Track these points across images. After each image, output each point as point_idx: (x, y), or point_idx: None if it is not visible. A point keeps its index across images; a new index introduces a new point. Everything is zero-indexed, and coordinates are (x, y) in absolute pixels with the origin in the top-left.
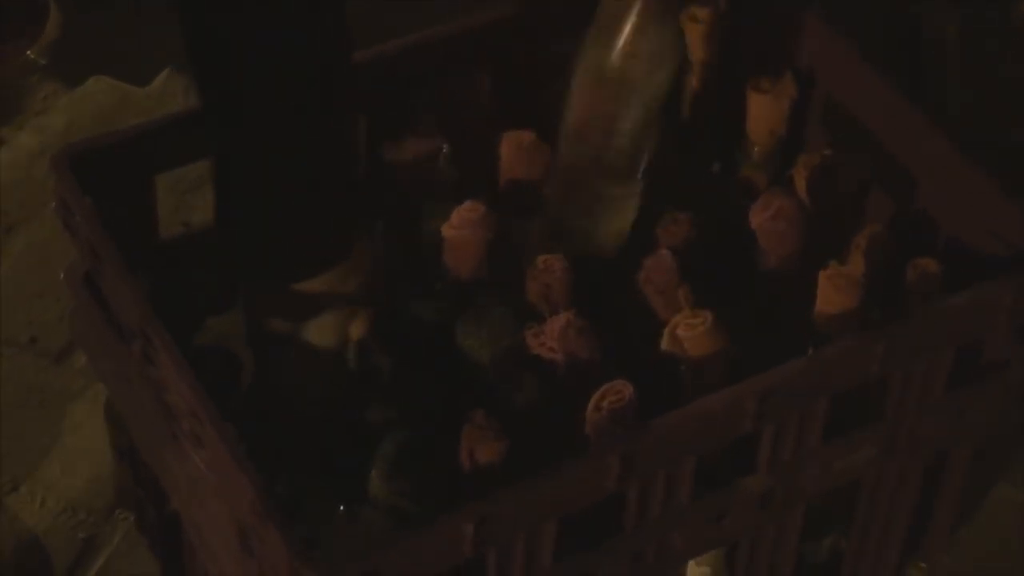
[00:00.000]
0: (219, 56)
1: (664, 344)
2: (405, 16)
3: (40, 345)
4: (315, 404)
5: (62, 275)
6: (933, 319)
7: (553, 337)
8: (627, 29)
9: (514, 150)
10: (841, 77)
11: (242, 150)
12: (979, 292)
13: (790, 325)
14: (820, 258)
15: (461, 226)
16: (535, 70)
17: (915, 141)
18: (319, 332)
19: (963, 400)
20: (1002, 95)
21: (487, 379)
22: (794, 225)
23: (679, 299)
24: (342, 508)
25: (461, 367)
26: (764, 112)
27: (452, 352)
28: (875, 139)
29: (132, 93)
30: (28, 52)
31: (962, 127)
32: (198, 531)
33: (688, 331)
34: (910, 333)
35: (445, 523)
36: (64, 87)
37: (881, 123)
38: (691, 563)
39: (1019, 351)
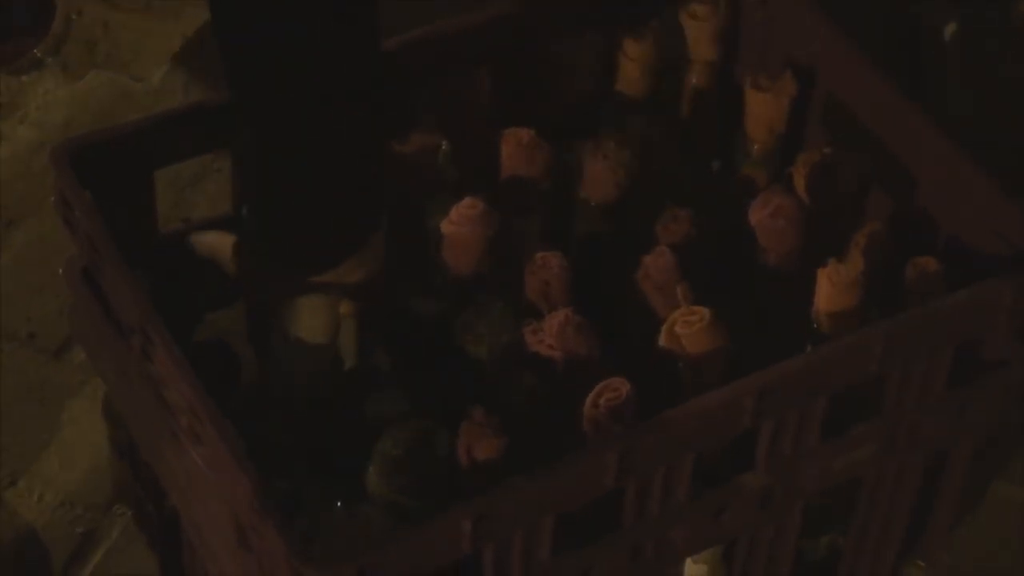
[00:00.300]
0: (251, 52)
1: (662, 341)
2: (405, 13)
3: (39, 340)
4: (310, 393)
5: (61, 270)
6: (932, 318)
7: (551, 334)
8: None
9: (514, 148)
10: (841, 75)
11: (271, 142)
12: (978, 291)
13: (789, 323)
14: (819, 256)
15: (460, 223)
16: (535, 68)
17: (915, 139)
18: (310, 313)
19: (963, 399)
20: (1002, 95)
21: (486, 376)
22: (793, 223)
23: (678, 296)
24: (340, 505)
25: (460, 364)
26: (764, 110)
27: (451, 349)
28: (875, 137)
29: (132, 88)
30: (35, 51)
31: (962, 127)
32: (196, 528)
33: (686, 328)
34: (909, 332)
35: (443, 520)
36: (64, 82)
37: (881, 121)
38: (689, 560)
39: (1019, 350)
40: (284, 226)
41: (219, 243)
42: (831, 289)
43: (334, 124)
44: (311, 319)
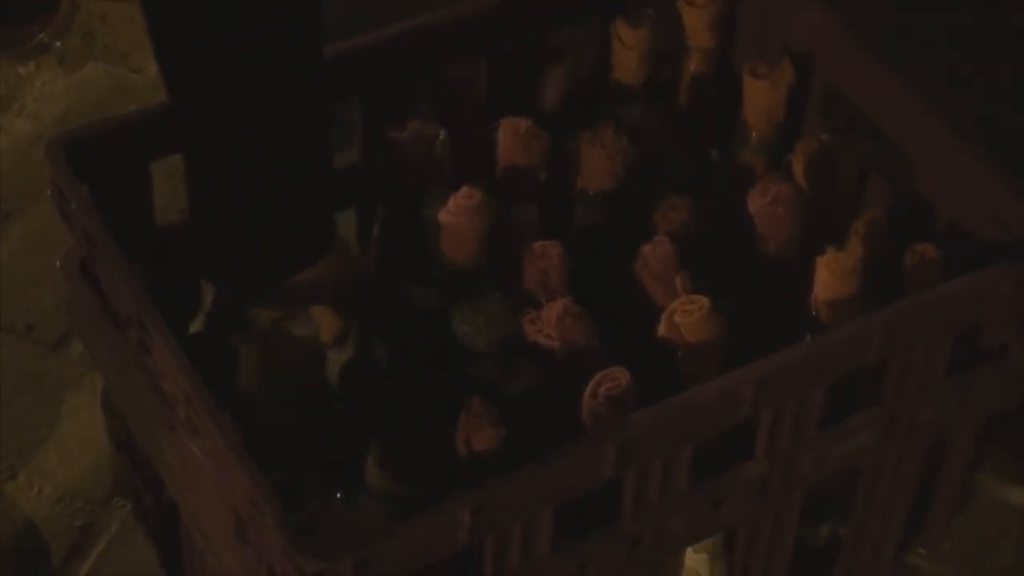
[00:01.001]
0: (189, 57)
1: (661, 330)
2: (402, 3)
3: (37, 333)
4: (291, 403)
5: (59, 263)
6: (931, 306)
7: (550, 324)
8: None
9: (511, 137)
10: (839, 63)
11: (214, 150)
12: (977, 279)
13: (788, 311)
14: (818, 244)
15: (458, 213)
16: (532, 57)
17: (913, 127)
18: (288, 333)
19: (962, 387)
20: (1001, 82)
21: (484, 366)
22: (792, 211)
23: (677, 285)
24: (339, 496)
25: (458, 354)
26: (762, 98)
27: (449, 339)
28: (873, 125)
29: (129, 80)
30: (42, 36)
31: (962, 114)
32: (195, 520)
33: (685, 317)
34: (908, 320)
35: (442, 511)
36: (62, 74)
37: (879, 109)
38: (689, 550)
39: (1018, 338)
40: (231, 238)
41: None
42: (830, 277)
43: (273, 139)
44: (294, 350)
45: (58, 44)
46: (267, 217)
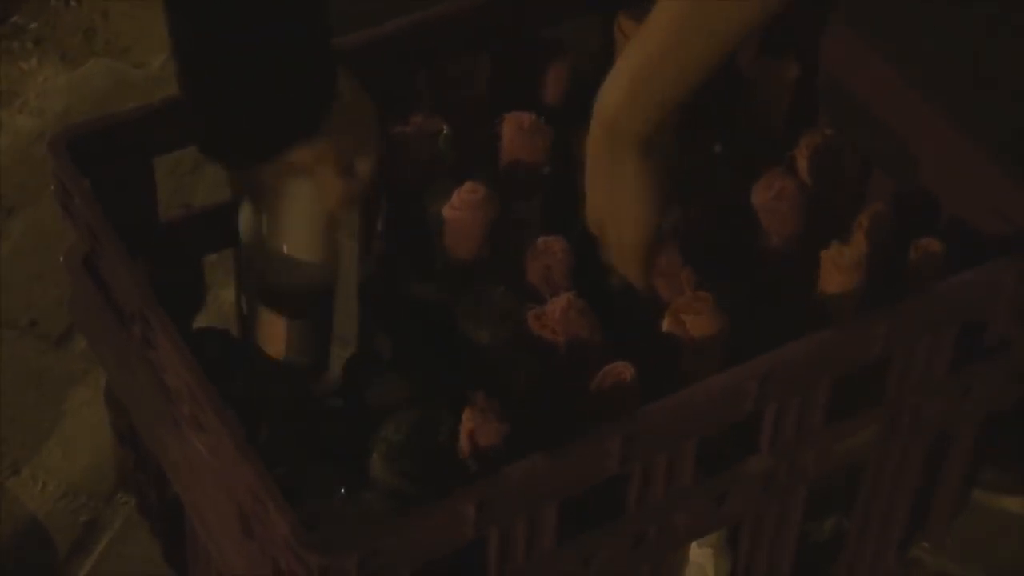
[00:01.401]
0: None
1: (666, 326)
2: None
3: (40, 328)
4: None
5: (62, 258)
6: (935, 300)
7: (554, 319)
8: None
9: (515, 132)
10: (842, 57)
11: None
12: (981, 273)
13: (792, 306)
14: (822, 239)
15: (461, 208)
16: (534, 52)
17: (916, 121)
18: (299, 206)
19: (965, 382)
20: (1002, 81)
21: (488, 361)
22: (796, 205)
23: (681, 281)
24: (343, 492)
25: (462, 349)
26: (765, 92)
27: (453, 334)
28: (876, 119)
29: (131, 75)
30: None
31: (963, 108)
32: (199, 514)
33: (690, 313)
34: (912, 314)
35: (446, 506)
36: (63, 70)
37: (882, 104)
38: (693, 545)
39: (1020, 333)
40: (224, 109)
41: None
42: (834, 271)
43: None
44: (299, 213)
45: (16, 19)
46: (262, 82)
